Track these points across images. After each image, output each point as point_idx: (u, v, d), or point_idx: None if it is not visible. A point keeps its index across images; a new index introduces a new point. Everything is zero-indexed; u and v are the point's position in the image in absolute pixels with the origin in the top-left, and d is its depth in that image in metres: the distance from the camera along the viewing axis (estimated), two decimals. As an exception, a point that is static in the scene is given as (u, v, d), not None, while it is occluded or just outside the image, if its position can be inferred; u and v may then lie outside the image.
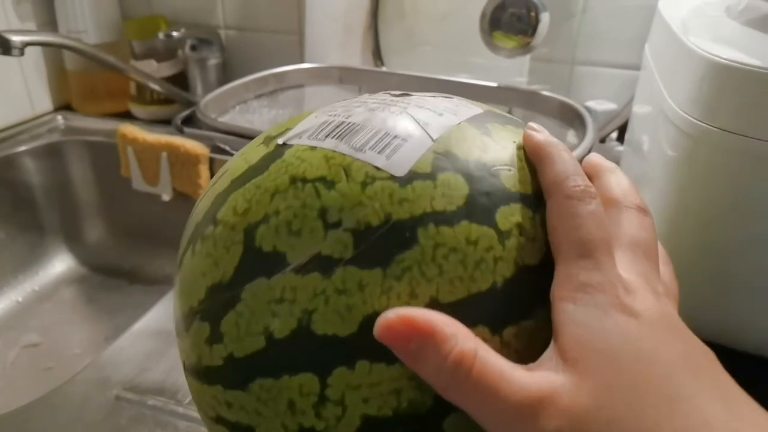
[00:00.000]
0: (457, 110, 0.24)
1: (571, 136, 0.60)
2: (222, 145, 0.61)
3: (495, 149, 0.22)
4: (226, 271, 0.21)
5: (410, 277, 0.19)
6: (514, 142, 0.23)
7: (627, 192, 0.23)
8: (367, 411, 0.19)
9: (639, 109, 0.54)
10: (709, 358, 0.19)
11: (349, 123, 0.23)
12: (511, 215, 0.21)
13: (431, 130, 0.22)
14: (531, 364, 0.19)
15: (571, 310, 0.19)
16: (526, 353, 0.20)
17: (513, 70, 0.71)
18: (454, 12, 0.72)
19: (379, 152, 0.21)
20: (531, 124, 0.24)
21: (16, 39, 0.59)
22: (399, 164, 0.21)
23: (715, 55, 0.34)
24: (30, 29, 0.80)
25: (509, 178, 0.22)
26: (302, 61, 0.75)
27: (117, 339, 0.44)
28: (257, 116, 0.66)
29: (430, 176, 0.21)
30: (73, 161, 0.80)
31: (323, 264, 0.19)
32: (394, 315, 0.18)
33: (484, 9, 0.63)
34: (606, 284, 0.19)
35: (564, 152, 0.22)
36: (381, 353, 0.19)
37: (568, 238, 0.20)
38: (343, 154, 0.21)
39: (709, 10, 0.45)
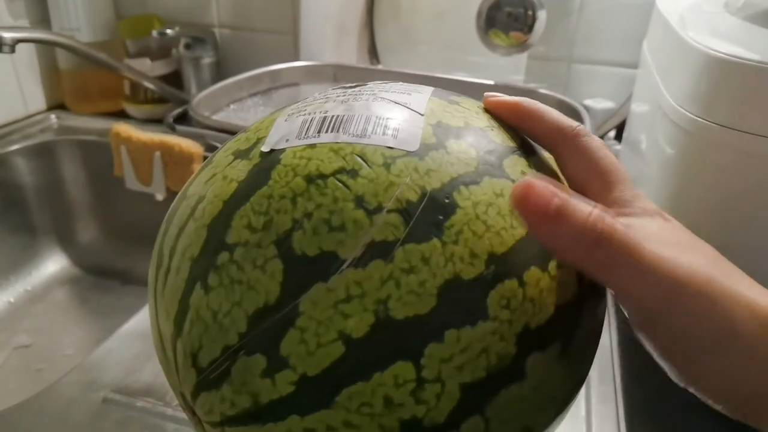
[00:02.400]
0: (416, 89, 0.25)
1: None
2: (215, 144, 0.60)
3: (471, 115, 0.24)
4: (270, 291, 0.19)
5: (465, 238, 0.20)
6: (479, 107, 0.25)
7: None
8: (463, 379, 0.19)
9: (637, 107, 0.53)
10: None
11: (333, 116, 0.22)
12: (514, 165, 0.22)
13: (414, 107, 0.23)
14: None
15: (632, 222, 0.21)
16: (566, 282, 0.21)
17: (510, 68, 0.70)
18: (450, 9, 0.71)
19: (383, 134, 0.21)
20: (488, 93, 0.25)
21: (6, 36, 0.59)
22: (408, 140, 0.21)
23: (713, 49, 0.34)
24: (23, 26, 0.79)
25: (496, 135, 0.23)
26: (296, 60, 0.74)
27: (105, 341, 0.43)
28: (251, 114, 0.66)
29: (440, 145, 0.21)
30: (66, 161, 0.79)
31: (380, 250, 0.19)
32: (532, 177, 0.19)
33: (480, 7, 0.63)
34: (640, 199, 0.22)
35: (543, 105, 0.24)
36: (462, 317, 0.19)
37: (599, 168, 0.22)
38: (350, 143, 0.21)
39: (707, 6, 0.44)
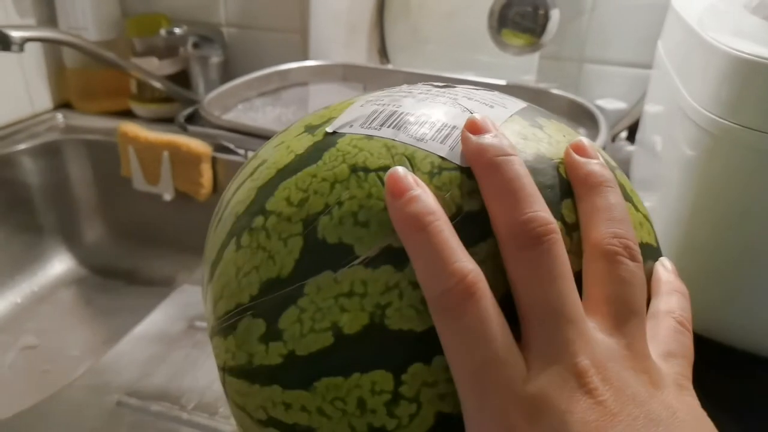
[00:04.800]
0: (504, 103, 0.24)
1: (582, 135, 0.59)
2: (226, 143, 0.60)
3: (549, 142, 0.22)
4: (285, 265, 0.20)
5: (485, 269, 0.18)
6: (564, 136, 0.23)
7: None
8: (442, 408, 0.18)
9: (651, 108, 0.53)
10: None
11: (402, 113, 0.22)
12: (571, 211, 0.21)
13: None
14: None
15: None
16: None
17: (520, 68, 0.70)
18: (461, 9, 0.71)
19: (441, 142, 0.21)
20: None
21: (15, 35, 0.58)
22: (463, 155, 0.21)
23: (738, 50, 0.33)
24: (30, 25, 0.79)
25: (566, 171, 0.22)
26: (304, 59, 0.74)
27: (116, 343, 0.42)
28: (260, 114, 0.65)
29: None
30: (73, 160, 0.79)
31: (395, 256, 0.19)
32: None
33: (493, 6, 0.62)
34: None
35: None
36: None
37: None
38: (405, 144, 0.21)
39: (724, 6, 0.44)
